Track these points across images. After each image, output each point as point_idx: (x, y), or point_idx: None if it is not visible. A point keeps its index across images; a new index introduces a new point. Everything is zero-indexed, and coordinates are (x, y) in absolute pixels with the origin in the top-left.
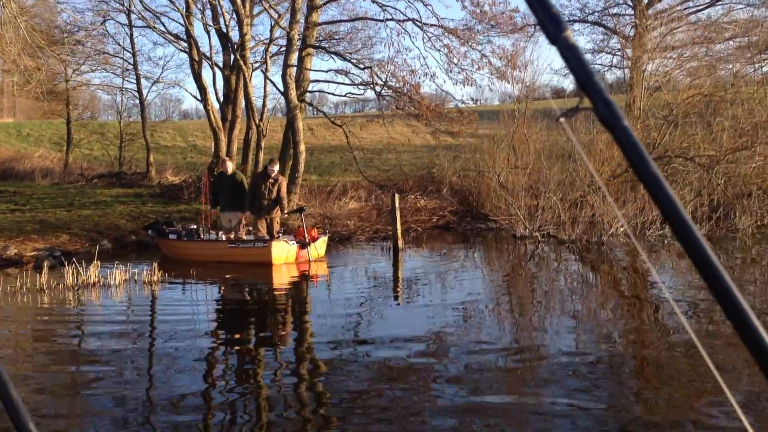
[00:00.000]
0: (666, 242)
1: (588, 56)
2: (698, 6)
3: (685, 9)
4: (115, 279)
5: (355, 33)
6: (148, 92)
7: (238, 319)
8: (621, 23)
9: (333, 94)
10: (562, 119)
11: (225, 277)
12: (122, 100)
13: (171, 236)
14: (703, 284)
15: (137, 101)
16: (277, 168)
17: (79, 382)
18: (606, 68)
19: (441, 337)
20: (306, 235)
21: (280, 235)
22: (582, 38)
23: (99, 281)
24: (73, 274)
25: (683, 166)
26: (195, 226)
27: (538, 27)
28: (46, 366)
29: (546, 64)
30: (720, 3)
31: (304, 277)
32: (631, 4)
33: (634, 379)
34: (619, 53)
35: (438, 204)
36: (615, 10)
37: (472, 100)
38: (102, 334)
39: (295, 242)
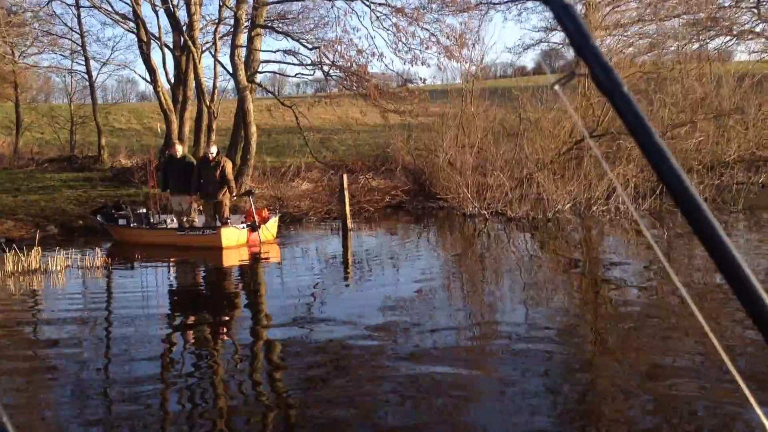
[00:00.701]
0: (610, 217)
1: (541, 35)
2: None
3: None
4: (56, 265)
5: (306, 13)
6: (98, 74)
7: (187, 303)
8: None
9: (283, 74)
10: (557, 87)
11: (172, 260)
12: (72, 83)
13: (120, 221)
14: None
15: (88, 83)
16: (214, 150)
17: (35, 369)
18: (559, 46)
19: (393, 316)
20: (255, 217)
21: (229, 220)
22: (534, 16)
23: (40, 267)
24: (13, 261)
25: (628, 143)
26: (144, 210)
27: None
28: None
29: (496, 42)
30: None
31: (255, 259)
32: None
33: (587, 350)
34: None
35: (391, 184)
36: None
37: (421, 79)
38: (50, 321)
39: (244, 226)
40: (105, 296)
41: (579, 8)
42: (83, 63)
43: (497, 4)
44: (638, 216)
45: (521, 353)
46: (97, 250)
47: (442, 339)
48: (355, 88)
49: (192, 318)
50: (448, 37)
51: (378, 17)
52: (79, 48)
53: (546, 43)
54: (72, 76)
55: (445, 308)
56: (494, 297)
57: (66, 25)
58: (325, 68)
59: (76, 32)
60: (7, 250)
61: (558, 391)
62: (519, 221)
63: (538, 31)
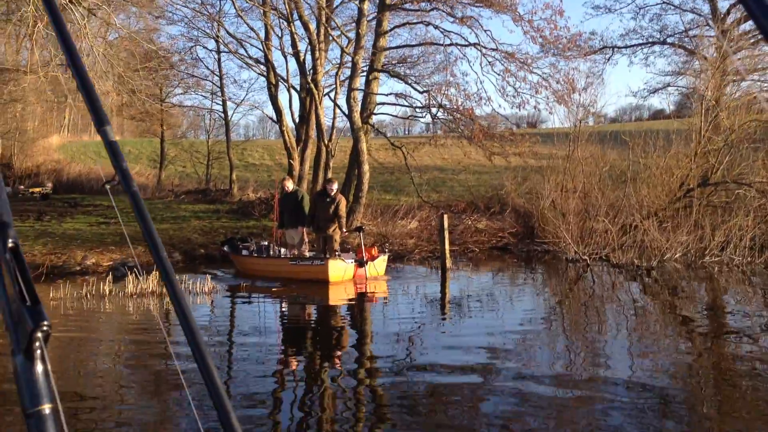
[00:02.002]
0: (721, 269)
1: (668, 78)
2: None
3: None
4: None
5: (426, 57)
6: (233, 113)
7: (293, 334)
8: (703, 45)
9: (397, 116)
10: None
11: (278, 290)
12: (210, 121)
13: (244, 252)
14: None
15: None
16: (335, 187)
17: (160, 381)
18: (685, 89)
19: (491, 361)
20: (364, 254)
21: (339, 253)
22: (662, 60)
23: (156, 291)
24: (133, 283)
25: (746, 192)
26: (266, 243)
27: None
28: (129, 364)
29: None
30: None
31: (360, 296)
32: (712, 25)
33: (697, 407)
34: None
35: (500, 226)
36: (695, 32)
37: (528, 123)
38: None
39: (352, 261)
40: (213, 318)
41: (711, 53)
42: (221, 103)
43: (623, 47)
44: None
45: (621, 406)
46: (207, 276)
47: (537, 391)
48: (461, 130)
49: (294, 348)
50: (558, 82)
51: (489, 62)
52: (218, 89)
53: (674, 87)
54: (211, 115)
55: (544, 354)
56: (595, 347)
57: (207, 68)
58: (433, 111)
59: (216, 75)
60: (129, 274)
61: None
62: (622, 268)
63: (666, 75)
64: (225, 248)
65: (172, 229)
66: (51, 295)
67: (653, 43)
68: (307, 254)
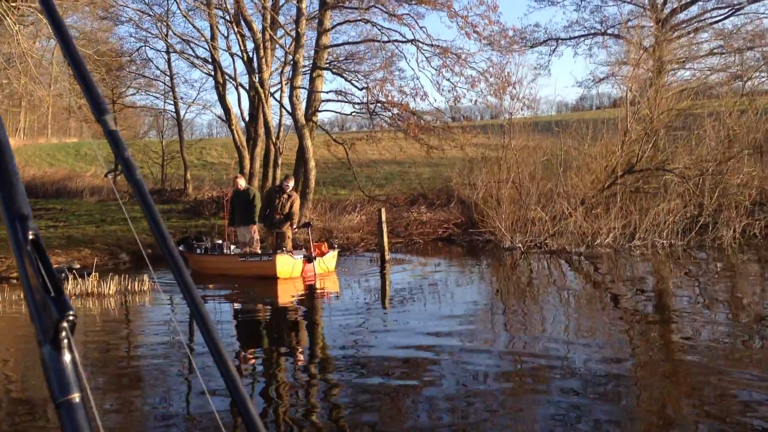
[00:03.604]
0: (646, 252)
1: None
2: (715, 18)
3: (704, 20)
4: (109, 289)
5: (372, 54)
6: (185, 113)
7: (241, 331)
8: (642, 35)
9: (340, 113)
10: None
11: (223, 287)
12: (164, 121)
13: (198, 251)
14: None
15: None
16: (292, 184)
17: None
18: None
19: (436, 349)
20: (312, 250)
21: (284, 249)
22: (604, 51)
23: (95, 292)
24: (72, 285)
25: (673, 178)
26: (220, 241)
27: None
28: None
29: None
30: (741, 13)
31: (309, 290)
32: (650, 16)
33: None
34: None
35: (446, 217)
36: (634, 22)
37: (463, 116)
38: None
39: (301, 256)
40: (136, 322)
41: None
42: (173, 103)
43: (566, 39)
44: None
45: (564, 396)
46: (144, 276)
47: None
48: (397, 124)
49: (244, 345)
50: (492, 77)
51: (426, 58)
52: (170, 89)
53: (617, 77)
54: (164, 115)
55: (484, 340)
56: (531, 330)
57: (158, 68)
58: (371, 106)
59: (167, 75)
60: (70, 277)
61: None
62: (556, 254)
63: (606, 65)
64: (180, 248)
65: (120, 230)
66: None
67: (595, 34)
68: (258, 251)
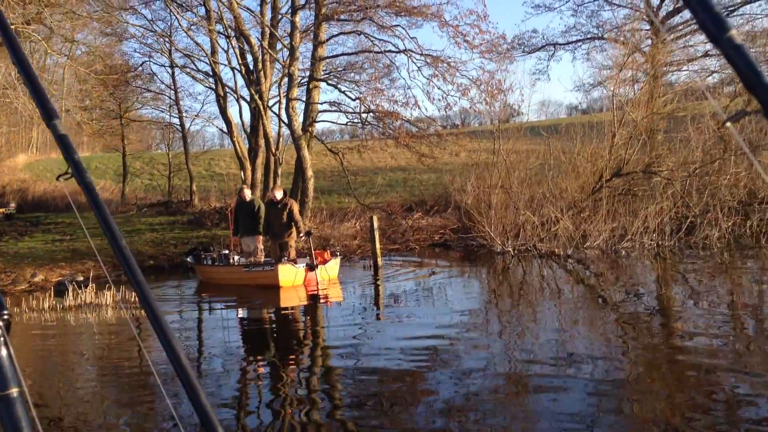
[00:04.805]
0: (636, 254)
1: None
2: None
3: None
4: (106, 300)
5: (369, 65)
6: (190, 125)
7: (248, 339)
8: (638, 39)
9: (336, 123)
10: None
11: (227, 298)
12: (171, 134)
13: (206, 262)
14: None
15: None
16: (279, 193)
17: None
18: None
19: (432, 354)
20: (314, 258)
21: (286, 258)
22: (601, 55)
23: (93, 302)
24: (72, 296)
25: (662, 180)
26: (227, 252)
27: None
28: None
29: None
30: (736, 14)
31: (311, 297)
32: (647, 19)
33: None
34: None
35: (443, 222)
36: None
37: (455, 125)
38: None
39: (303, 265)
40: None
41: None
42: (177, 116)
43: (564, 44)
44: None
45: (558, 388)
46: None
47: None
48: (388, 132)
49: (246, 354)
50: (482, 84)
51: (419, 67)
52: (174, 103)
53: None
54: (170, 128)
55: (476, 348)
56: (516, 327)
57: (163, 82)
58: (364, 116)
59: (171, 89)
60: (81, 288)
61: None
62: (546, 258)
63: (604, 69)
64: (189, 259)
65: (125, 242)
66: None
67: (592, 39)
68: (262, 261)
